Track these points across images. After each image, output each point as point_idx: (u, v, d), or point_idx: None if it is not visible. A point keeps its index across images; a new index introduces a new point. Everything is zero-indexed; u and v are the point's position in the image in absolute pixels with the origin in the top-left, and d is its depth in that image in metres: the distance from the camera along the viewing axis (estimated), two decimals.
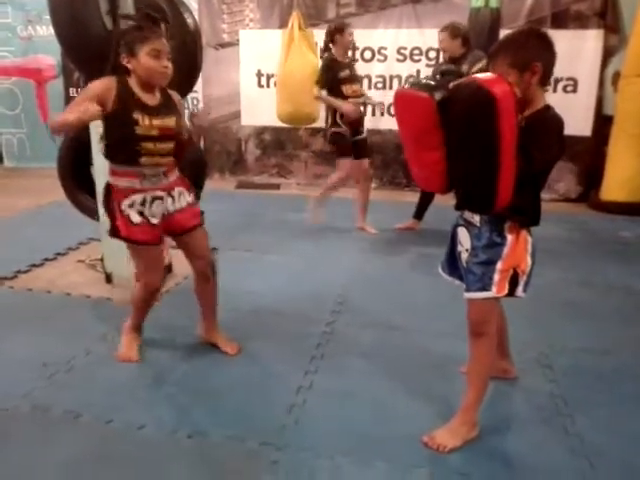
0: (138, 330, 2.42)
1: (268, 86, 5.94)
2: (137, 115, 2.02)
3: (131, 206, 2.08)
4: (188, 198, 2.24)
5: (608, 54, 5.34)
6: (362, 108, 4.36)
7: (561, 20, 5.32)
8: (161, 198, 2.14)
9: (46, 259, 3.58)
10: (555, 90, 5.46)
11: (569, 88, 5.46)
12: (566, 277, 3.38)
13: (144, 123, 2.03)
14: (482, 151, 1.53)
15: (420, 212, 4.43)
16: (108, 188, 2.13)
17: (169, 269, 3.25)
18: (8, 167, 7.01)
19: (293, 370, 2.28)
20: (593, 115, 5.46)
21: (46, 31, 6.28)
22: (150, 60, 2.00)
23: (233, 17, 6.04)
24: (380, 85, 5.85)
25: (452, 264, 1.96)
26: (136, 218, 2.09)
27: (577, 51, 5.33)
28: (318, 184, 5.99)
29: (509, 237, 1.71)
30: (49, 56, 6.19)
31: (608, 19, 5.22)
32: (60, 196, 3.55)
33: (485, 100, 1.47)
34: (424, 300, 3.04)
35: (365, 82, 5.83)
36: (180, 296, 2.98)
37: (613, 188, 5.16)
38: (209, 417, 1.98)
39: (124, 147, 2.06)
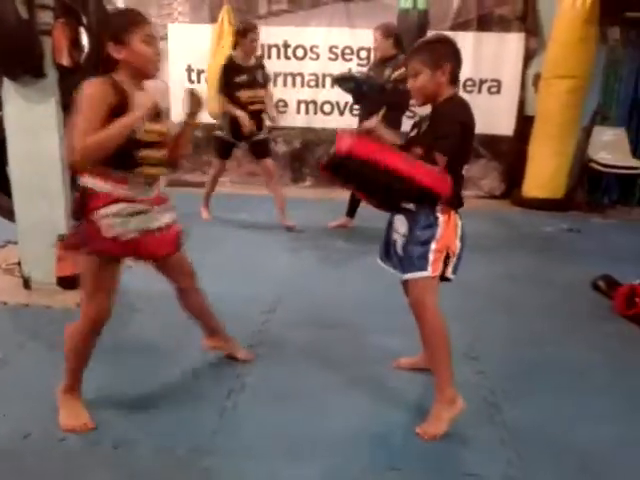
0: (78, 387, 1.94)
1: (199, 82, 5.80)
2: None
3: (108, 217, 1.72)
4: (170, 218, 1.93)
5: (529, 56, 5.60)
6: (261, 110, 4.29)
7: (486, 23, 5.53)
8: (144, 212, 1.81)
9: None
10: (480, 91, 5.67)
11: (493, 89, 5.68)
12: (491, 271, 3.51)
13: (146, 127, 1.75)
14: (383, 184, 1.76)
15: (352, 210, 4.47)
16: (85, 193, 1.75)
17: None
18: None
19: (224, 373, 2.23)
20: (515, 115, 5.71)
21: None
22: (145, 47, 1.74)
23: (161, 10, 5.85)
24: (313, 83, 5.85)
25: (387, 253, 2.04)
26: (109, 232, 1.72)
27: (501, 53, 5.57)
28: (252, 182, 5.94)
29: (441, 217, 1.83)
30: None
31: (528, 23, 5.48)
32: None
33: (345, 158, 1.72)
34: (357, 296, 3.07)
35: (298, 80, 5.84)
36: None
37: (534, 185, 5.42)
38: (135, 427, 1.89)
39: (120, 155, 1.70)
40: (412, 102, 4.20)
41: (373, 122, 1.91)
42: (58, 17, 2.71)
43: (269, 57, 5.75)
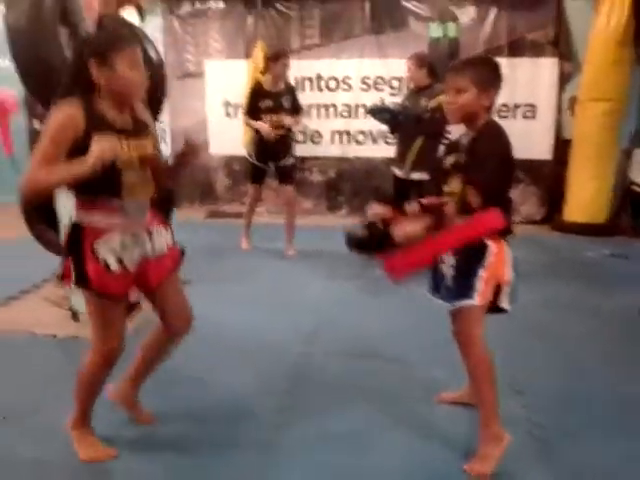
0: (89, 420, 1.94)
1: (235, 116, 5.97)
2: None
3: (110, 250, 1.68)
4: (167, 238, 1.88)
5: (564, 80, 5.56)
6: (288, 135, 4.44)
7: (517, 49, 5.53)
8: (142, 238, 1.77)
9: (10, 297, 3.47)
10: (515, 116, 5.64)
11: (528, 114, 5.65)
12: (533, 298, 3.43)
13: (123, 150, 1.67)
14: None
15: None
16: (76, 226, 1.72)
17: (138, 305, 3.18)
18: None
19: (265, 408, 2.23)
20: (553, 139, 5.65)
21: (7, 63, 6.20)
22: (128, 70, 1.65)
23: (198, 47, 6.08)
24: (346, 114, 5.94)
25: (436, 285, 1.99)
26: (113, 264, 1.68)
27: (534, 78, 5.55)
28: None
29: (491, 245, 1.78)
30: (10, 88, 6.09)
31: (561, 47, 5.46)
32: (24, 231, 3.46)
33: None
34: (396, 327, 3.05)
35: (331, 111, 5.95)
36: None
37: (575, 210, 5.32)
38: (173, 468, 1.89)
39: (101, 180, 1.62)
40: (449, 129, 4.29)
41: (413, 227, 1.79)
42: None
43: (302, 89, 5.87)
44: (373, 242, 1.81)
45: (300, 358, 2.67)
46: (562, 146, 5.54)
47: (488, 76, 1.79)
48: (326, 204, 6.20)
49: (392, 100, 5.23)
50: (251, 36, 5.83)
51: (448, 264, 1.88)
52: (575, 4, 5.37)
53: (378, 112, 4.29)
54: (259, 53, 5.46)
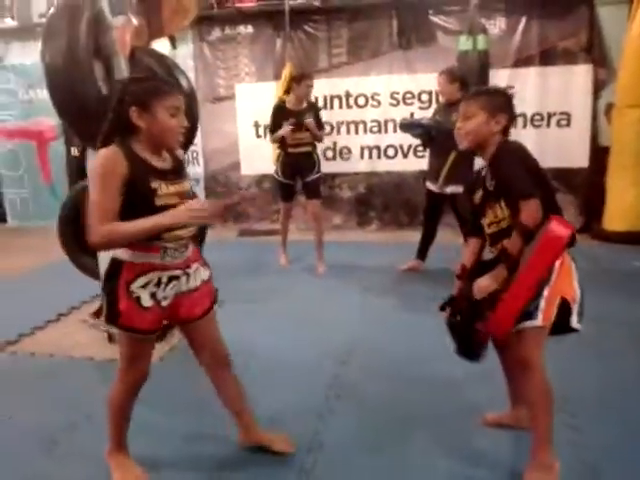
0: (125, 445, 1.95)
1: (265, 136, 6.03)
2: (154, 184, 1.66)
3: (144, 287, 1.70)
4: (203, 275, 1.88)
5: (599, 87, 5.42)
6: (312, 151, 4.47)
7: (549, 57, 5.44)
8: (177, 277, 1.77)
9: (49, 320, 3.54)
10: (549, 125, 5.53)
11: (563, 122, 5.52)
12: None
13: (162, 192, 1.68)
14: None
15: (423, 252, 4.41)
16: (117, 264, 1.72)
17: (172, 326, 3.19)
18: (12, 226, 7.05)
19: (301, 430, 2.19)
20: (589, 147, 5.50)
21: (45, 94, 6.45)
22: (168, 118, 1.67)
23: (229, 72, 6.20)
24: (375, 129, 5.93)
25: None
26: (147, 301, 1.70)
27: (568, 86, 5.43)
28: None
29: (556, 263, 1.70)
30: (49, 118, 6.33)
31: (595, 54, 5.34)
32: (62, 255, 3.55)
33: None
34: (432, 345, 2.94)
35: (360, 127, 5.95)
36: (184, 354, 2.92)
37: (615, 218, 5.14)
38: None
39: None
40: None
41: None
42: None
43: (331, 107, 5.92)
44: (468, 322, 1.81)
45: (335, 379, 2.62)
46: (599, 153, 5.39)
47: (498, 102, 1.81)
48: (356, 220, 6.17)
49: (422, 114, 5.22)
50: (280, 58, 5.91)
51: None
52: (607, 10, 5.26)
53: (409, 127, 4.27)
54: (288, 74, 5.52)
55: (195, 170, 6.30)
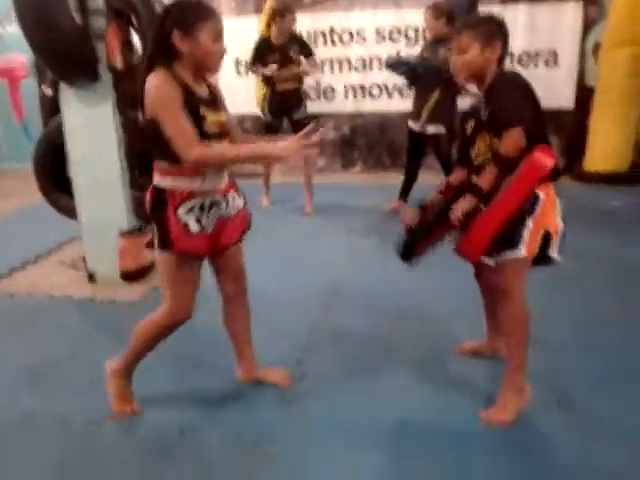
0: (130, 375, 1.96)
1: (247, 74, 5.84)
2: (203, 111, 1.66)
3: (189, 212, 1.70)
4: (239, 202, 1.88)
5: (588, 26, 5.29)
6: (299, 87, 4.40)
7: None
8: (218, 203, 1.77)
9: (27, 262, 3.51)
10: (536, 64, 5.42)
11: (550, 61, 5.41)
12: None
13: (209, 120, 1.67)
14: None
15: (405, 193, 4.40)
16: (160, 192, 1.71)
17: (154, 265, 3.19)
18: None
19: (284, 362, 2.23)
20: (575, 87, 5.43)
21: (16, 29, 6.13)
22: (211, 42, 1.64)
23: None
24: (360, 67, 5.77)
25: None
26: (194, 227, 1.70)
27: (556, 24, 5.28)
28: (302, 170, 5.95)
29: (541, 194, 1.71)
30: (21, 54, 6.04)
31: None
32: (38, 196, 3.48)
33: None
34: (416, 282, 3.00)
35: (345, 65, 5.78)
36: None
37: (597, 159, 5.14)
38: (199, 415, 1.95)
39: None
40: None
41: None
42: (110, 21, 2.79)
43: (315, 44, 5.71)
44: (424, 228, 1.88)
45: (319, 314, 2.66)
46: (585, 94, 5.32)
47: (491, 30, 1.75)
48: (340, 162, 6.09)
49: (408, 51, 5.07)
50: None
51: None
52: None
53: (395, 65, 4.16)
54: (268, 8, 5.30)
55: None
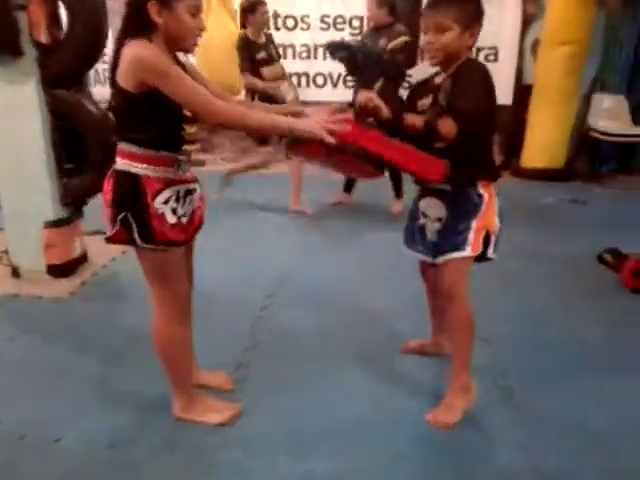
0: (190, 389, 1.82)
1: (185, 56, 5.60)
2: None
3: (166, 203, 1.57)
4: (201, 190, 1.77)
5: (527, 22, 5.42)
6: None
7: None
8: (192, 192, 1.67)
9: None
10: (477, 59, 5.50)
11: (491, 57, 5.52)
12: None
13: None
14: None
15: (349, 185, 4.36)
16: (134, 178, 1.53)
17: (84, 258, 2.99)
18: None
19: (224, 363, 2.12)
20: (514, 84, 5.56)
21: None
22: (188, 17, 1.50)
23: None
24: (305, 54, 5.67)
25: (413, 238, 1.90)
26: (171, 217, 1.58)
27: (497, 20, 5.38)
28: (246, 158, 5.79)
29: (485, 195, 1.70)
30: None
31: None
32: None
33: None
34: (361, 278, 2.98)
35: (289, 52, 5.65)
36: (98, 288, 2.76)
37: (533, 155, 5.31)
38: (132, 424, 1.81)
39: (167, 130, 1.55)
40: (409, 72, 4.13)
41: (366, 96, 1.67)
42: None
43: None
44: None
45: (262, 312, 2.57)
46: (523, 91, 5.46)
47: (471, 12, 1.63)
48: (283, 152, 5.97)
49: (353, 39, 5.01)
50: None
51: (432, 217, 1.78)
52: None
53: (336, 49, 4.07)
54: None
55: (102, 91, 5.75)
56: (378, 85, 3.85)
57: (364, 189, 4.28)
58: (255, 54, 3.95)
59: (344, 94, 5.54)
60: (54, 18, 2.71)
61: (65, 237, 2.81)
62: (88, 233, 3.00)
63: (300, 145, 1.66)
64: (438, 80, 1.73)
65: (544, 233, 3.75)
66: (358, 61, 3.87)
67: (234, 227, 3.81)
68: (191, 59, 5.12)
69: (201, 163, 5.78)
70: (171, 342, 1.72)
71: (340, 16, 5.53)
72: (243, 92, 4.33)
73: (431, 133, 1.58)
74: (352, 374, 2.09)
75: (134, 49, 1.45)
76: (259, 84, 3.94)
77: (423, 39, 1.68)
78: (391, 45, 3.74)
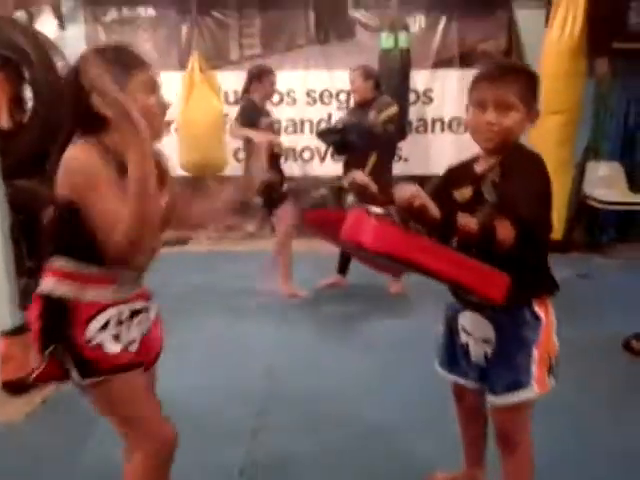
0: None
1: (168, 133, 5.42)
2: None
3: (104, 328, 1.24)
4: (155, 303, 1.44)
5: None
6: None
7: (469, 59, 5.34)
8: (140, 311, 1.33)
9: None
10: (467, 131, 5.40)
11: None
12: None
13: None
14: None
15: (344, 265, 4.05)
16: (57, 305, 1.22)
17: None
18: None
19: None
20: None
21: None
22: (146, 96, 1.23)
23: None
24: (291, 129, 5.53)
25: (453, 358, 1.55)
26: (113, 346, 1.24)
27: None
28: (231, 237, 5.52)
29: (542, 314, 1.38)
30: None
31: (513, 58, 5.29)
32: None
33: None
34: (366, 379, 2.59)
35: (275, 127, 5.50)
36: (61, 408, 2.33)
37: None
38: None
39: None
40: (399, 145, 3.97)
41: (411, 191, 1.24)
42: None
43: None
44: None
45: (253, 436, 2.15)
46: None
47: (534, 91, 1.41)
48: (271, 227, 5.72)
49: (339, 115, 4.88)
50: (186, 46, 5.39)
51: (477, 337, 1.44)
52: (526, 14, 5.25)
53: (328, 134, 3.95)
54: (194, 65, 4.98)
55: None
56: (371, 161, 3.67)
57: (357, 265, 3.97)
58: (261, 119, 3.74)
59: (332, 168, 5.36)
60: (17, 101, 2.46)
61: (22, 348, 2.42)
62: None
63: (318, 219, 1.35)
64: (479, 168, 1.44)
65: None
66: (348, 141, 3.71)
67: (211, 319, 3.39)
68: (173, 135, 4.96)
69: (184, 241, 5.48)
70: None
71: (326, 90, 5.45)
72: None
73: (488, 238, 1.24)
74: None
75: (70, 154, 1.20)
76: (249, 132, 3.63)
77: (475, 115, 1.40)
78: (383, 116, 3.64)
